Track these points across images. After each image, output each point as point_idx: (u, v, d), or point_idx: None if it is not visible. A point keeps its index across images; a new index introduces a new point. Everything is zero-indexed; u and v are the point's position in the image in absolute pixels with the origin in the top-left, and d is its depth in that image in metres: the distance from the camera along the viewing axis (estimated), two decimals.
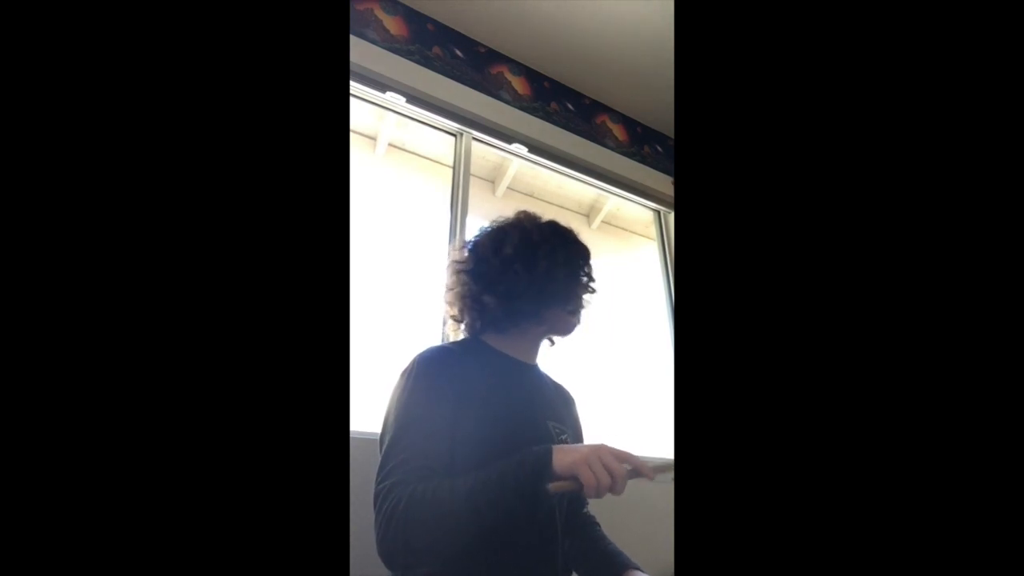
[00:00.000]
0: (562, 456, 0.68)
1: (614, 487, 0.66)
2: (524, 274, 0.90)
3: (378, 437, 0.81)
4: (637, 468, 0.68)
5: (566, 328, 0.97)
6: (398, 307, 1.51)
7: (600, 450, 0.67)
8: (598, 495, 0.66)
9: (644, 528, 1.38)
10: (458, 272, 0.96)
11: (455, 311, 0.97)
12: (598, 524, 1.00)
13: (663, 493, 1.53)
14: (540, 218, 1.00)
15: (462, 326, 0.99)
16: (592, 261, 1.00)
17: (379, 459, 0.76)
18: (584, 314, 0.99)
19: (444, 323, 1.27)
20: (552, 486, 0.67)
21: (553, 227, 0.98)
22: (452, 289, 0.97)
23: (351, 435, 1.10)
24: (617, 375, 2.02)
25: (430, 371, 0.83)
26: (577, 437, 1.01)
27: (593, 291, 0.98)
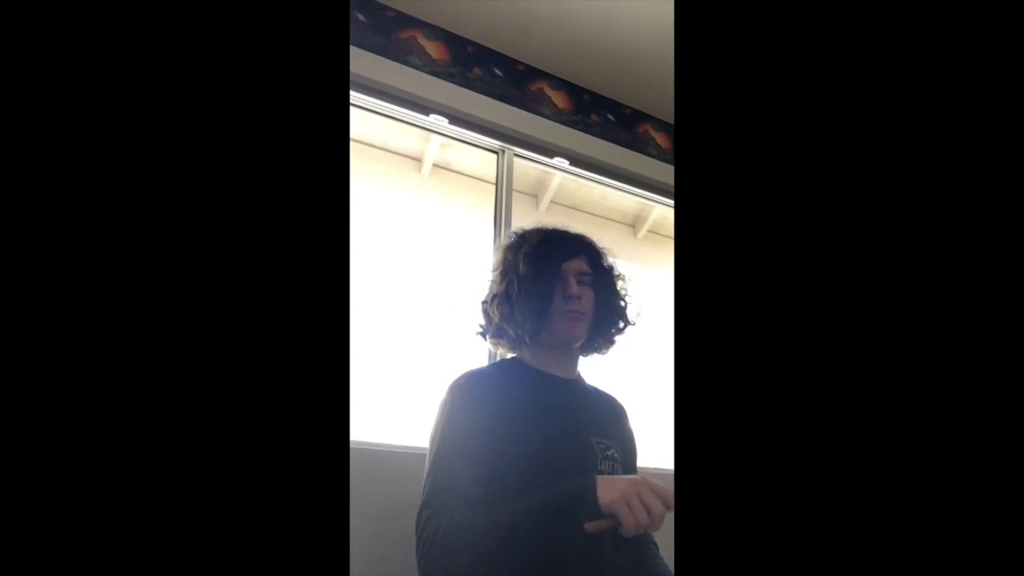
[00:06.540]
0: (603, 491, 0.67)
1: (652, 525, 0.65)
2: (505, 294, 0.93)
3: (390, 450, 0.86)
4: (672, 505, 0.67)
5: (569, 329, 0.92)
6: (448, 324, 1.55)
7: (639, 486, 0.67)
8: (637, 532, 0.66)
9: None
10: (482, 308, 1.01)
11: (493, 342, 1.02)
12: (655, 543, 0.98)
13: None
14: (515, 233, 1.01)
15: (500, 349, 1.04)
16: (578, 251, 0.96)
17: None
18: (578, 316, 0.92)
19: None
20: (589, 527, 0.66)
21: (522, 235, 0.99)
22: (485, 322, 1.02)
23: (356, 446, 1.12)
24: (667, 386, 1.99)
25: (465, 397, 0.86)
26: (627, 451, 0.99)
27: (578, 295, 0.92)
